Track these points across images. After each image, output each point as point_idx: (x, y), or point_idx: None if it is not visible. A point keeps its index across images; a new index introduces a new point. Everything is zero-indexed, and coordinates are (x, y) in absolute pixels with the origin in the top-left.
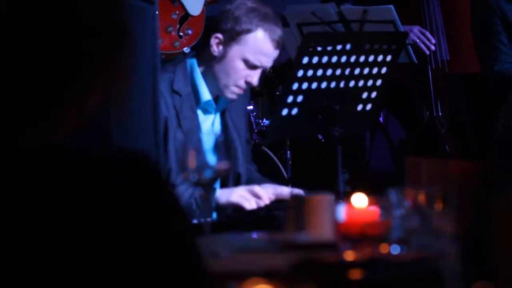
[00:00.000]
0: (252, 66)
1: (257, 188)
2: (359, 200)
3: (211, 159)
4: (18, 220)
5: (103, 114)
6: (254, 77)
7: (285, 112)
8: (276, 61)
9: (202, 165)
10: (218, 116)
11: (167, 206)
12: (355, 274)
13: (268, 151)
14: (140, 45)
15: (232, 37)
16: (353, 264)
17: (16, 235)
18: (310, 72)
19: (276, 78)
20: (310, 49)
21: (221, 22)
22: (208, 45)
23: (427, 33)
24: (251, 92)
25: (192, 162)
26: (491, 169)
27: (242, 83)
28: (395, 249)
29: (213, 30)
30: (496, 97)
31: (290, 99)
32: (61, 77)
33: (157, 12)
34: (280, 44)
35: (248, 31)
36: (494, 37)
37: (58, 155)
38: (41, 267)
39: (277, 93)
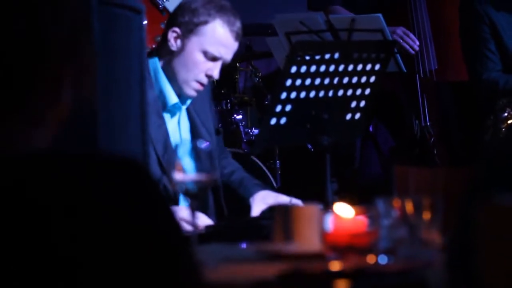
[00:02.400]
0: (212, 58)
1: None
2: (343, 210)
3: (188, 165)
4: (3, 227)
5: (89, 123)
6: (215, 70)
7: (273, 121)
8: (265, 70)
9: (188, 176)
10: (184, 113)
11: (160, 214)
12: (342, 284)
13: (257, 161)
14: (127, 54)
15: (190, 29)
16: (340, 274)
17: (1, 242)
18: (298, 81)
19: (265, 87)
20: (299, 58)
21: (178, 16)
22: (166, 41)
23: (411, 34)
24: (241, 101)
25: (179, 172)
26: (478, 177)
27: (202, 77)
28: (383, 259)
29: (170, 25)
30: (484, 105)
31: (278, 108)
32: (27, 68)
33: (144, 22)
34: (239, 36)
35: (206, 22)
36: (482, 45)
37: (45, 160)
38: (27, 274)
39: (266, 102)
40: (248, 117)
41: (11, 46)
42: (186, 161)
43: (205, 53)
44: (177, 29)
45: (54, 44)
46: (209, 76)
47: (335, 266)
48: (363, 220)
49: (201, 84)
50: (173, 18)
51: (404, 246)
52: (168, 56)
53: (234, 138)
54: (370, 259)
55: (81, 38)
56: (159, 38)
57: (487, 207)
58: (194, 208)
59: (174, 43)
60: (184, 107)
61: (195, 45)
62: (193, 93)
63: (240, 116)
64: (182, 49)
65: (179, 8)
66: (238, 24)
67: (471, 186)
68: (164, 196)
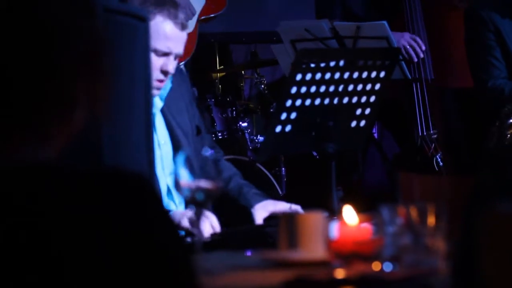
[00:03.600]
0: (162, 54)
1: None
2: (349, 213)
3: (183, 174)
4: (4, 239)
5: (93, 131)
6: (170, 65)
7: (278, 129)
8: (270, 78)
9: (194, 184)
10: (159, 116)
11: (162, 227)
12: None
13: (263, 168)
14: (132, 62)
15: None
16: (345, 282)
17: (2, 254)
18: (303, 89)
19: (270, 94)
20: (304, 66)
21: None
22: None
23: (418, 39)
24: (246, 109)
25: (184, 181)
26: (482, 183)
27: (158, 74)
28: (387, 267)
29: None
30: (489, 113)
31: (283, 116)
32: (40, 85)
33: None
34: (185, 26)
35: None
36: (487, 52)
37: (49, 172)
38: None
39: (271, 110)
40: (253, 124)
41: (24, 66)
42: (182, 172)
43: (155, 52)
44: None
45: (69, 65)
46: (165, 72)
47: (340, 273)
48: (368, 227)
49: (160, 81)
50: None
51: (409, 253)
52: None
53: (240, 146)
54: (375, 266)
55: (99, 57)
56: None
57: (491, 215)
58: (199, 216)
59: None
60: (156, 110)
61: None
62: (156, 92)
63: (245, 124)
64: None
65: None
66: (180, 15)
67: (475, 193)
68: (167, 210)
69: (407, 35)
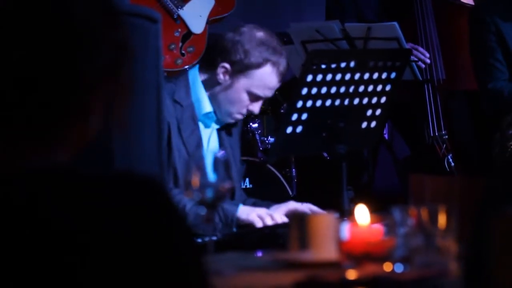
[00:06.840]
0: (256, 98)
1: (276, 216)
2: (362, 212)
3: (211, 177)
4: (16, 243)
5: (104, 134)
6: (256, 107)
7: (289, 130)
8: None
9: (205, 184)
10: (214, 133)
11: (174, 229)
12: None
13: (273, 169)
14: (143, 64)
15: (241, 69)
16: (356, 283)
17: (13, 258)
18: (314, 90)
19: (281, 96)
20: (314, 67)
21: (230, 53)
22: (214, 69)
23: (420, 48)
24: None
25: (195, 181)
26: (493, 187)
27: (244, 111)
28: (399, 268)
29: (221, 57)
30: (490, 115)
31: (294, 117)
32: (61, 93)
33: (160, 31)
34: (283, 75)
35: (257, 66)
36: (489, 54)
37: (60, 176)
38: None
39: (282, 111)
40: (264, 125)
41: (48, 69)
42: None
43: (250, 94)
44: (227, 66)
45: (92, 73)
46: (250, 111)
47: (351, 274)
48: (379, 228)
49: (242, 115)
50: (224, 52)
51: (420, 254)
52: (214, 84)
53: (250, 147)
54: (386, 267)
55: (121, 68)
56: (173, 46)
57: (503, 218)
58: (210, 219)
59: (222, 77)
60: (215, 126)
61: (243, 85)
62: (233, 121)
63: (256, 125)
64: (230, 85)
65: (231, 43)
66: (284, 64)
67: (485, 196)
68: (181, 214)
69: (407, 46)
